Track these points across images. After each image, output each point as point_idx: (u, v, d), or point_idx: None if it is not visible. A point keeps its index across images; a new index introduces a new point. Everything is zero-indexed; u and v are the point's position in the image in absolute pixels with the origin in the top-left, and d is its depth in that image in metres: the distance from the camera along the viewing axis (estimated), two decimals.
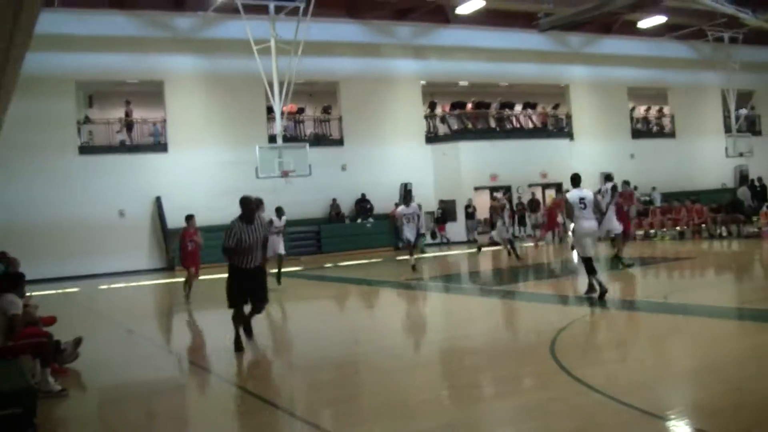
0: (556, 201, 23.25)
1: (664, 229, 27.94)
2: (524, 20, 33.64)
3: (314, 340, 11.17)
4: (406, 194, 21.90)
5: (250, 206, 9.92)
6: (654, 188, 35.15)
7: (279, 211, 18.22)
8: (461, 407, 6.94)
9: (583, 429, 5.94)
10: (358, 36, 32.40)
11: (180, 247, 16.56)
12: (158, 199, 28.15)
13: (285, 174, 26.03)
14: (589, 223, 12.08)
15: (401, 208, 21.16)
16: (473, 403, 7.11)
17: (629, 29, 37.32)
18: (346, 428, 6.54)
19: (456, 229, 32.82)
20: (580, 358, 8.70)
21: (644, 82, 39.52)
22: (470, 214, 32.63)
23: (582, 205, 11.98)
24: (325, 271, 23.22)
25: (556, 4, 32.01)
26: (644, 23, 36.07)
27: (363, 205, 31.47)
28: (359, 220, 31.23)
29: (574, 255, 11.02)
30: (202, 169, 28.73)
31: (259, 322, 12.42)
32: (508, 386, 7.62)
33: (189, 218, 16.65)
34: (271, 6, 25.89)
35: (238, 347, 9.76)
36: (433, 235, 32.31)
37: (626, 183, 20.82)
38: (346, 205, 31.48)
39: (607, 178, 17.45)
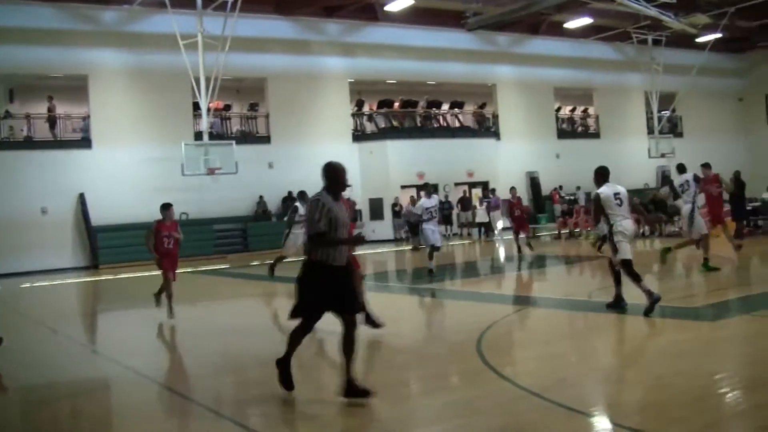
0: (514, 200, 22.37)
1: (589, 229, 29.27)
2: (452, 19, 34.43)
3: (241, 339, 11.11)
4: (426, 185, 19.50)
5: (341, 176, 7.22)
6: (579, 188, 36.26)
7: (303, 197, 15.95)
8: (389, 405, 7.02)
9: (509, 425, 6.08)
10: (287, 32, 32.53)
11: (155, 245, 13.29)
12: (82, 196, 27.97)
13: (211, 171, 26.08)
14: (629, 222, 10.87)
15: (423, 201, 17.87)
16: (401, 400, 7.29)
17: (556, 30, 38.18)
18: (275, 428, 6.63)
19: (383, 228, 33.45)
20: (505, 355, 9.07)
21: (570, 82, 40.54)
22: (397, 212, 33.37)
23: (618, 201, 10.79)
24: (251, 270, 23.29)
25: (484, 4, 32.73)
26: (570, 24, 36.90)
27: (290, 202, 31.54)
28: (286, 218, 31.27)
29: (617, 257, 10.48)
30: (127, 165, 28.59)
31: (183, 322, 12.56)
32: (435, 384, 7.75)
33: (166, 208, 13.39)
34: (199, 0, 25.84)
35: (288, 384, 7.25)
36: None
37: (705, 165, 17.58)
38: (273, 203, 31.65)
39: (681, 168, 16.27)
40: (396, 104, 36.23)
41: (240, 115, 33.16)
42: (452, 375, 8.25)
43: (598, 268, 18.49)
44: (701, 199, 16.04)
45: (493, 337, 9.81)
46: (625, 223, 10.69)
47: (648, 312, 10.09)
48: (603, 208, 10.75)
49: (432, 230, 17.17)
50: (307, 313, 7.23)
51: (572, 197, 35.72)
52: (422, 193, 19.08)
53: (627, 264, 10.62)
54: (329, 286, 7.05)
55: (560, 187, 36.97)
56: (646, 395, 6.78)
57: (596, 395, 7.03)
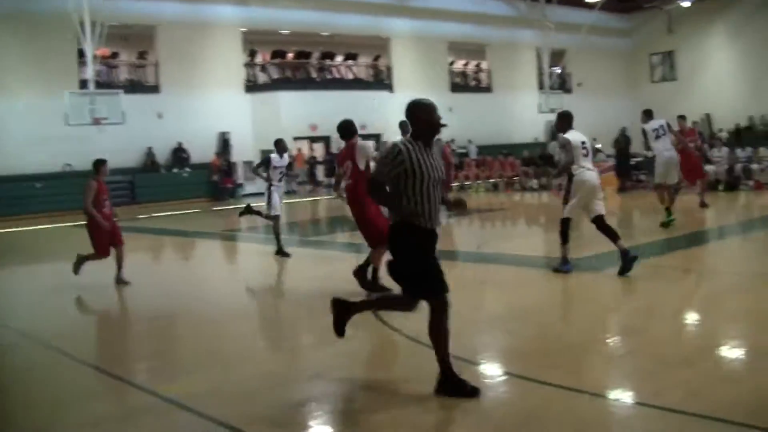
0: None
1: (479, 181, 30.11)
2: None
3: (128, 294, 10.84)
4: (279, 141, 14.51)
5: (431, 115, 5.83)
6: (470, 141, 37.08)
7: (279, 145, 14.30)
8: (280, 356, 7.26)
9: (399, 374, 6.32)
10: None
11: (93, 211, 11.04)
12: None
13: (97, 122, 25.47)
14: (592, 174, 10.16)
15: (273, 158, 14.49)
16: (292, 352, 7.46)
17: None
18: (163, 383, 6.46)
19: None
20: None
21: (464, 37, 40.94)
22: (290, 164, 33.51)
23: (584, 151, 10.11)
24: (139, 223, 22.97)
25: None
26: None
27: (180, 154, 31.37)
28: (175, 170, 31.21)
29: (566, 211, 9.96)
30: (7, 115, 27.49)
31: (63, 278, 11.79)
32: (325, 336, 7.55)
33: (100, 164, 11.23)
34: None
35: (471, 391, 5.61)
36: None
37: (682, 117, 18.10)
38: (162, 155, 31.29)
39: (648, 114, 15.19)
40: (290, 55, 36.10)
41: (128, 63, 32.44)
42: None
43: (487, 220, 19.14)
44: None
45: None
46: (587, 175, 9.99)
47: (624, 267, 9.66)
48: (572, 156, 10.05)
49: (279, 196, 14.60)
50: (437, 285, 5.85)
51: (463, 150, 36.53)
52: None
53: (564, 222, 10.20)
54: (429, 254, 5.76)
55: (452, 140, 37.67)
56: (530, 343, 7.07)
57: (483, 344, 7.24)
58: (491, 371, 6.38)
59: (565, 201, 10.27)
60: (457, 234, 16.75)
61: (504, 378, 6.16)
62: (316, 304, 9.29)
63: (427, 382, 5.74)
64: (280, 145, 14.24)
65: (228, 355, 7.21)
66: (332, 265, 13.05)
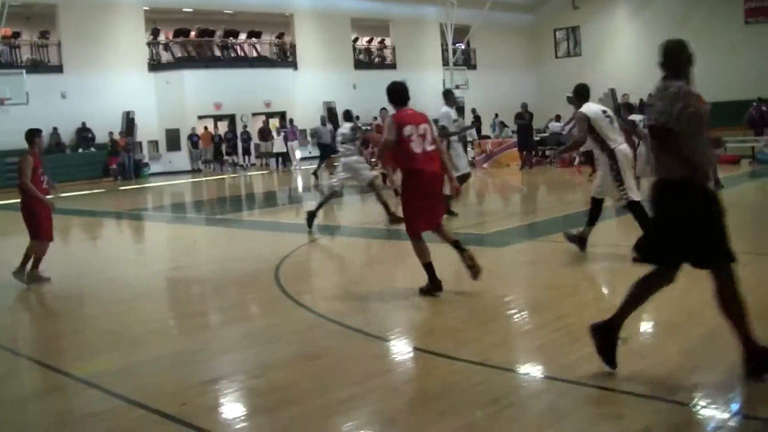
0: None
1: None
2: None
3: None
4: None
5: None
6: (375, 118, 38.29)
7: (349, 117, 15.67)
8: (188, 335, 7.29)
9: (308, 352, 6.35)
10: None
11: (33, 188, 9.68)
12: None
13: (0, 102, 25.81)
14: (627, 148, 9.25)
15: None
16: (200, 330, 7.48)
17: None
18: (71, 362, 6.48)
19: (180, 159, 34.07)
20: (303, 283, 9.33)
21: (367, 13, 41.65)
22: (195, 143, 34.09)
23: (609, 119, 9.10)
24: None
25: None
26: None
27: (84, 134, 31.40)
28: (80, 150, 31.38)
29: (622, 195, 8.94)
30: None
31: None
32: (234, 314, 8.00)
33: (34, 135, 9.89)
34: None
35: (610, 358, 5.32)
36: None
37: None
38: (67, 135, 31.31)
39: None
40: (193, 33, 36.35)
41: (30, 43, 32.18)
42: (250, 305, 8.53)
43: (393, 197, 19.98)
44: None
45: (291, 266, 10.16)
46: (624, 148, 9.13)
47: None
48: (594, 130, 8.98)
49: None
50: (664, 257, 5.18)
51: (368, 128, 37.63)
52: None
53: (637, 207, 8.83)
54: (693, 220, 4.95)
55: (357, 117, 38.66)
56: (439, 319, 7.22)
57: (393, 320, 7.34)
58: (401, 347, 6.52)
59: (620, 182, 8.94)
60: (364, 211, 16.91)
61: (414, 354, 6.34)
62: (224, 283, 9.71)
63: (330, 358, 6.10)
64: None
65: (136, 335, 7.25)
66: (239, 244, 13.23)
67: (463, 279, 7.87)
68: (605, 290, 8.06)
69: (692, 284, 7.76)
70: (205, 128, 35.00)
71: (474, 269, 7.61)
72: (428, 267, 7.73)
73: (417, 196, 7.70)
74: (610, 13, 46.61)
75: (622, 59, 44.31)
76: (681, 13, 43.18)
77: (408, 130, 7.64)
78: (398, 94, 8.09)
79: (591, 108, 9.13)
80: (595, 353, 5.30)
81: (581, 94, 9.46)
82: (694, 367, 5.45)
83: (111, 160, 31.68)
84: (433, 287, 7.69)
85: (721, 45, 40.05)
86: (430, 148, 7.70)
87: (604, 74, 42.97)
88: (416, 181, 7.67)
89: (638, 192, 9.00)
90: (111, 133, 31.63)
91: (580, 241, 9.50)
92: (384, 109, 14.84)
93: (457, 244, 7.74)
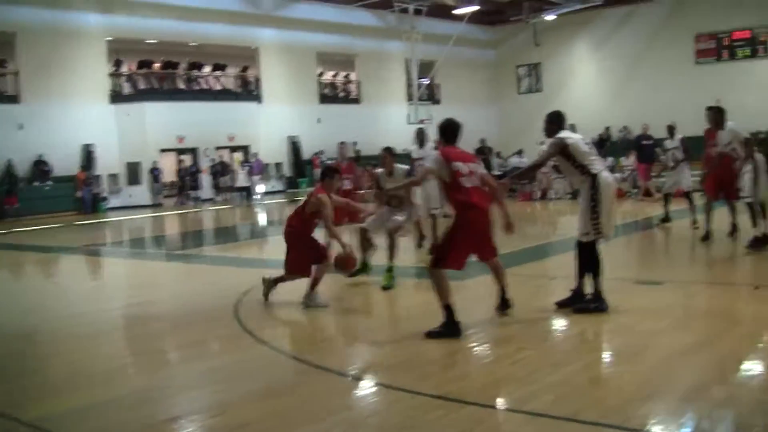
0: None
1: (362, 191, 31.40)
2: None
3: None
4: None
5: None
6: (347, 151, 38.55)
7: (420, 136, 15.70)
8: (148, 373, 7.22)
9: (268, 389, 6.37)
10: None
11: None
12: None
13: None
14: (611, 176, 8.65)
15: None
16: (159, 368, 7.46)
17: None
18: (27, 404, 6.28)
19: (141, 193, 33.68)
20: (264, 319, 9.31)
21: (333, 47, 41.93)
22: (156, 176, 33.86)
23: (589, 146, 8.68)
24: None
25: None
26: None
27: (41, 167, 30.93)
28: (36, 183, 30.79)
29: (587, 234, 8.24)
30: None
31: None
32: (194, 351, 7.93)
33: None
34: None
35: None
36: None
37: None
38: (23, 167, 30.82)
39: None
40: (156, 65, 36.34)
41: None
42: (210, 341, 8.44)
43: (355, 231, 20.03)
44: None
45: (251, 301, 10.12)
46: (608, 177, 8.43)
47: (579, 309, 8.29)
48: (574, 157, 8.31)
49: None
50: None
51: (333, 162, 37.79)
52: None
53: (588, 248, 8.35)
54: None
55: (321, 151, 38.70)
56: (399, 354, 7.19)
57: (354, 355, 7.51)
58: (362, 383, 6.57)
59: (595, 216, 8.18)
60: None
61: (376, 389, 6.36)
62: (184, 320, 9.55)
63: (291, 395, 6.10)
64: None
65: (95, 374, 7.20)
66: (200, 280, 13.15)
67: (421, 314, 7.99)
68: (564, 323, 8.11)
69: (646, 314, 8.02)
70: (181, 161, 35.00)
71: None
72: (450, 308, 7.59)
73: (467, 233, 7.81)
74: (570, 51, 47.49)
75: (582, 95, 45.22)
76: (637, 51, 44.43)
77: (457, 165, 7.75)
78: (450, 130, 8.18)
79: (570, 134, 8.57)
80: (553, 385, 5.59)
81: (555, 120, 8.78)
82: (648, 395, 5.59)
83: (6, 200, 30.06)
84: (450, 330, 7.48)
85: (674, 82, 41.62)
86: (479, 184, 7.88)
87: (565, 110, 43.17)
88: (468, 217, 7.77)
89: (609, 233, 8.29)
90: (83, 168, 31.41)
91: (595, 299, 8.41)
92: (342, 143, 14.99)
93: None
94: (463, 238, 7.68)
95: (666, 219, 16.42)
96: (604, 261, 8.33)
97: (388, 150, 10.82)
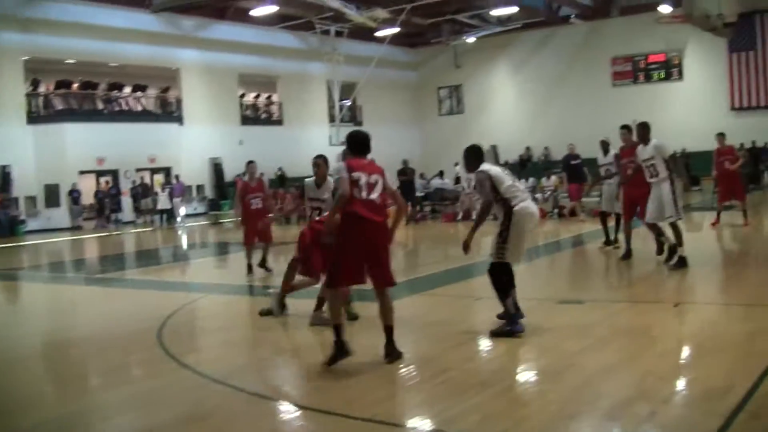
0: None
1: (271, 215, 31.33)
2: None
3: None
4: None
5: None
6: (262, 174, 38.35)
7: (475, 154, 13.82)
8: (68, 401, 7.01)
9: (192, 413, 6.25)
10: None
11: None
12: None
13: None
14: (534, 207, 8.59)
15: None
16: (80, 395, 7.22)
17: (242, 16, 39.18)
18: None
19: (59, 215, 33.13)
20: (187, 343, 9.23)
21: (254, 69, 42.05)
22: (76, 199, 33.31)
23: (510, 175, 8.52)
24: None
25: None
26: (256, 11, 37.28)
27: None
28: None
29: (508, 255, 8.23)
30: None
31: None
32: (115, 377, 7.75)
33: None
34: None
35: None
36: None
37: (721, 135, 18.95)
38: None
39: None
40: (75, 85, 35.88)
41: None
42: (133, 366, 8.30)
43: (281, 253, 19.96)
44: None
45: (174, 325, 10.01)
46: (527, 206, 8.35)
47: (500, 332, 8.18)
48: (496, 189, 8.23)
49: None
50: None
51: (240, 179, 37.77)
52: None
53: (500, 271, 8.32)
54: None
55: (243, 173, 38.48)
56: (325, 376, 7.06)
57: (279, 378, 7.44)
58: (287, 406, 6.49)
59: (502, 240, 8.23)
60: (235, 269, 16.24)
61: (301, 412, 6.30)
62: (105, 345, 9.36)
63: (215, 420, 6.01)
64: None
65: (13, 402, 7.01)
66: (121, 304, 12.91)
67: (348, 335, 7.85)
68: (489, 343, 8.12)
69: (569, 333, 8.20)
70: (107, 182, 34.62)
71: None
72: (338, 328, 7.27)
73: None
74: (490, 73, 48.39)
75: (503, 117, 46.15)
76: (556, 74, 45.56)
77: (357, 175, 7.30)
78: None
79: (490, 166, 8.43)
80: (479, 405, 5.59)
81: (475, 154, 8.61)
82: (572, 414, 5.67)
83: None
84: (340, 351, 7.23)
85: (592, 103, 42.89)
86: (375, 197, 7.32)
87: (486, 131, 44.52)
88: (356, 230, 7.28)
89: (514, 261, 8.26)
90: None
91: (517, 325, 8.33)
92: (251, 162, 14.74)
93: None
94: (351, 251, 7.25)
95: (609, 242, 15.66)
96: (527, 281, 8.57)
97: (321, 157, 10.10)
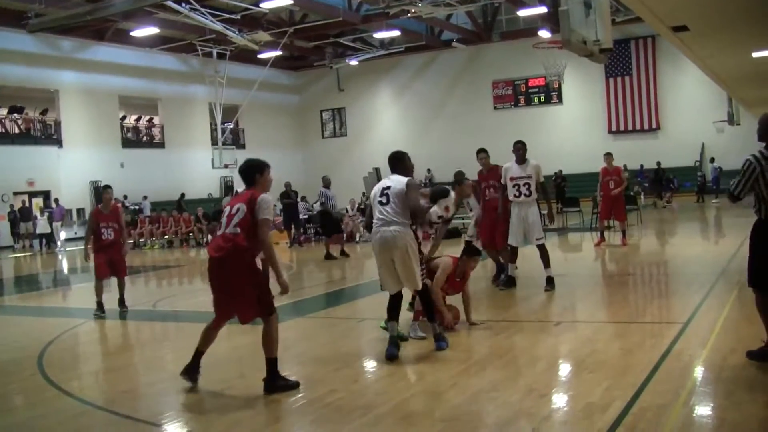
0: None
1: (154, 239, 30.92)
2: (13, 19, 33.45)
3: None
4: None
5: None
6: (145, 197, 37.79)
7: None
8: None
9: None
10: None
11: None
12: None
13: None
14: (379, 234, 8.08)
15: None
16: None
17: (122, 38, 38.85)
18: None
19: None
20: (69, 370, 8.96)
21: (135, 91, 41.58)
22: None
23: (383, 198, 8.11)
24: None
25: (48, 5, 32.30)
26: (137, 33, 37.18)
27: None
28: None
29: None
30: None
31: None
32: None
33: None
34: None
35: None
36: None
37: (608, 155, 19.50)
38: None
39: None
40: None
41: None
42: (11, 396, 7.95)
43: (162, 278, 19.74)
44: None
45: (55, 352, 9.77)
46: (375, 233, 8.13)
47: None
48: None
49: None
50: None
51: (137, 207, 37.20)
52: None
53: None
54: None
55: (125, 196, 37.99)
56: (211, 401, 7.07)
57: (163, 404, 7.20)
58: (172, 431, 6.40)
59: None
60: (134, 292, 16.10)
61: None
62: None
63: None
64: None
65: None
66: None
67: (235, 360, 8.00)
68: (374, 363, 8.22)
69: (452, 354, 8.39)
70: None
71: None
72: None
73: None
74: (373, 96, 49.04)
75: (386, 139, 46.64)
76: (438, 98, 46.52)
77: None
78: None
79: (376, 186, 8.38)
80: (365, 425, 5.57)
81: (401, 160, 8.37)
82: None
83: None
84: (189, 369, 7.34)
85: (474, 126, 43.97)
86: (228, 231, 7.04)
87: (369, 153, 45.05)
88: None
89: (383, 284, 8.32)
90: None
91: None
92: (106, 187, 13.68)
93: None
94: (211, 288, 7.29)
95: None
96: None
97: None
